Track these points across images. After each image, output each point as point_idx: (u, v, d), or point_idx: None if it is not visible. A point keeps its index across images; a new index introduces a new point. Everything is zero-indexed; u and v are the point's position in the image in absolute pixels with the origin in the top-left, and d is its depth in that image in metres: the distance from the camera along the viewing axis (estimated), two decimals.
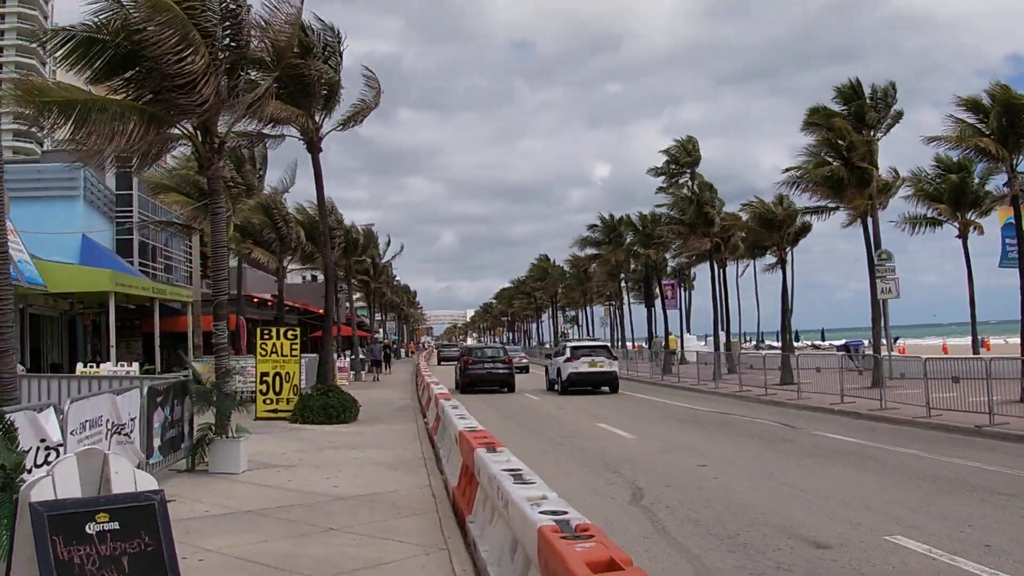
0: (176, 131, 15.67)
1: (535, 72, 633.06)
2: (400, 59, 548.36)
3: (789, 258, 58.30)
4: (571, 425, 24.44)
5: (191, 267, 47.36)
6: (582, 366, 37.28)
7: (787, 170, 35.68)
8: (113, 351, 31.44)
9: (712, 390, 37.18)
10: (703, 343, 77.58)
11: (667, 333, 65.88)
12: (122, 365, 26.30)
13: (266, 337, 25.07)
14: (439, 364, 79.30)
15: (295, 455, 17.28)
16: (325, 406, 23.47)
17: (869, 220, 34.36)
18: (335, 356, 44.04)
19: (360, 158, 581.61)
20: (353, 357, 51.53)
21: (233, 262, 43.48)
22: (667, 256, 57.33)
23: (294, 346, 25.05)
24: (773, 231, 41.43)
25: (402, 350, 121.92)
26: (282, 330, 25.39)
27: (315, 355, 43.10)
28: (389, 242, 69.85)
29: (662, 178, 68.88)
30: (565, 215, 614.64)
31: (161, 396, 13.05)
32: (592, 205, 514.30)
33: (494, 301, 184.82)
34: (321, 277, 57.73)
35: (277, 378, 24.90)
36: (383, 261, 70.27)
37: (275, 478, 14.42)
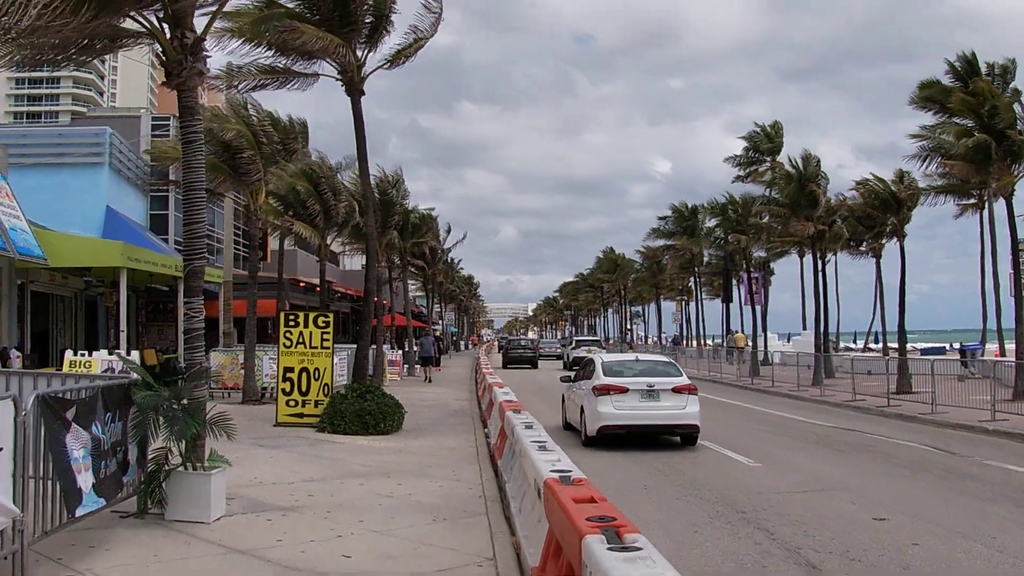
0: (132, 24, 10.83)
1: (596, 65, 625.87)
2: (460, 51, 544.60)
3: (884, 248, 53.25)
4: (663, 441, 19.22)
5: (220, 243, 42.85)
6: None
7: (913, 136, 30.23)
8: (123, 336, 26.94)
9: (817, 398, 31.78)
10: (784, 343, 71.91)
11: (727, 330, 60.68)
12: (118, 354, 21.70)
13: (291, 324, 20.28)
14: (505, 367, 57.37)
15: (305, 487, 12.40)
16: (360, 412, 18.63)
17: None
18: (383, 348, 39.45)
19: (421, 150, 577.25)
20: (406, 350, 46.69)
21: (274, 242, 39.08)
22: (756, 245, 51.75)
23: (326, 336, 20.23)
24: (890, 213, 35.76)
25: (462, 343, 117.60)
26: (312, 315, 20.56)
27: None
28: (450, 230, 64.93)
29: (739, 168, 65.11)
30: (627, 210, 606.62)
31: (76, 409, 8.21)
32: (654, 201, 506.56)
33: (557, 295, 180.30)
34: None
35: (304, 375, 20.11)
36: (444, 247, 65.45)
37: (260, 535, 9.53)
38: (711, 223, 62.39)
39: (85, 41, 11.04)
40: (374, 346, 37.87)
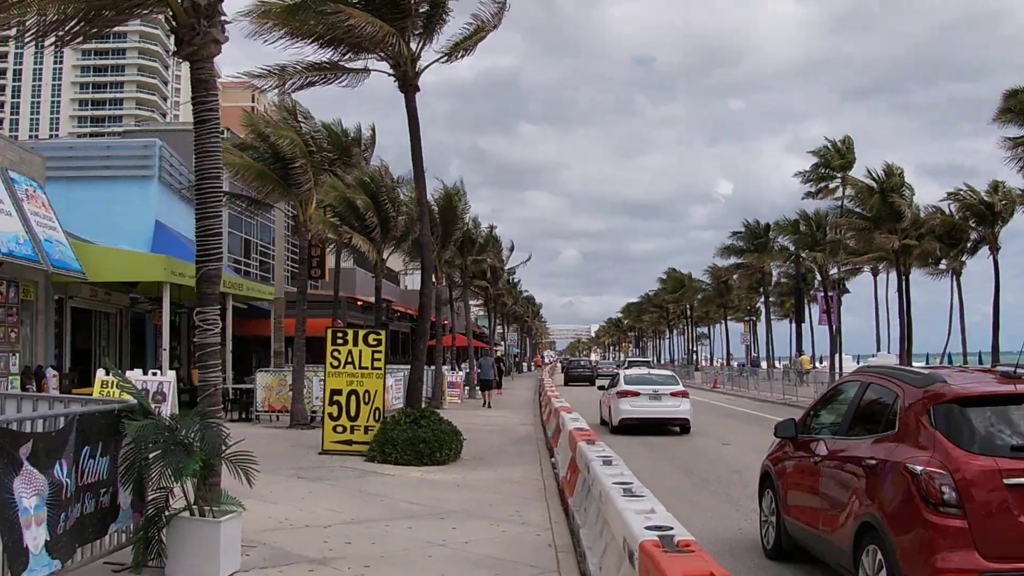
0: None
1: (655, 86, 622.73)
2: (520, 73, 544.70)
3: (965, 265, 50.47)
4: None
5: (271, 259, 41.36)
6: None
7: (1012, 140, 27.95)
8: (165, 355, 25.44)
9: None
10: (858, 364, 68.90)
11: (799, 351, 58.29)
12: (154, 374, 20.08)
13: (339, 342, 18.48)
14: (566, 384, 65.93)
15: (343, 532, 10.53)
16: (414, 439, 16.73)
17: None
18: (443, 369, 37.65)
19: (482, 172, 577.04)
20: (468, 371, 44.78)
21: (332, 259, 37.50)
22: (831, 263, 49.25)
23: (377, 355, 18.39)
24: (984, 225, 33.24)
25: (524, 364, 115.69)
26: (362, 332, 18.75)
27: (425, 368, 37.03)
28: (512, 248, 63.18)
29: (810, 184, 63.15)
30: (688, 231, 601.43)
31: (33, 444, 6.38)
32: (715, 222, 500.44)
33: (621, 315, 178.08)
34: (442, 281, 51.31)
35: (352, 398, 18.29)
36: (507, 267, 63.59)
37: None
38: (783, 240, 60.10)
39: (92, 12, 9.38)
40: (433, 367, 36.12)
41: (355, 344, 18.39)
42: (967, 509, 7.04)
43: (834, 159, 57.02)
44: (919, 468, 7.31)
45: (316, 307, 42.01)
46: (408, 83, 18.76)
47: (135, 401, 8.20)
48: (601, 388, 30.90)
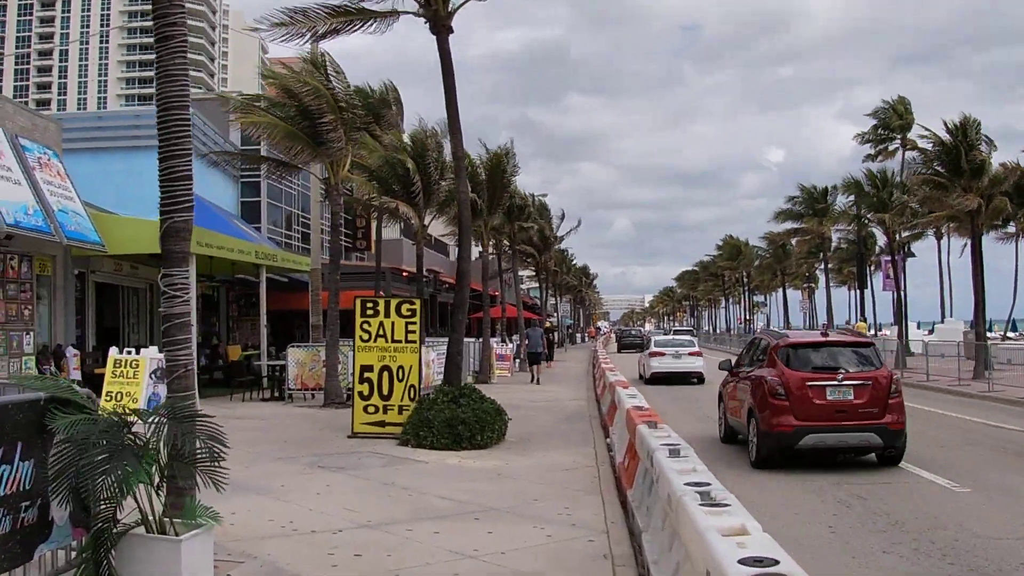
0: None
1: (703, 55, 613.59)
2: (567, 44, 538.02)
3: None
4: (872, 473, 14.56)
5: (307, 228, 39.65)
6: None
7: None
8: (193, 331, 23.77)
9: (985, 393, 26.57)
10: (926, 333, 65.90)
11: (862, 319, 55.82)
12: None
13: (368, 313, 16.70)
14: (619, 352, 69.59)
15: (355, 539, 8.76)
16: (452, 420, 14.94)
17: None
18: (490, 341, 35.89)
19: (532, 144, 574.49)
20: (518, 344, 42.82)
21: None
22: (898, 224, 46.55)
23: (411, 327, 16.59)
24: None
25: (578, 335, 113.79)
26: (394, 303, 16.94)
27: (472, 340, 35.10)
28: (563, 216, 61.05)
29: (869, 145, 60.87)
30: (739, 200, 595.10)
31: None
32: (766, 191, 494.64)
33: (675, 284, 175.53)
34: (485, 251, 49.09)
35: (385, 375, 16.51)
36: (557, 235, 61.51)
37: None
38: (844, 201, 57.72)
39: None
40: (478, 339, 34.30)
41: (386, 315, 16.60)
42: (789, 397, 13.72)
43: (892, 119, 55.43)
44: (769, 378, 14.15)
45: (358, 279, 40.51)
46: (440, 24, 16.82)
47: (60, 393, 6.38)
48: (640, 351, 40.90)
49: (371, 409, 16.48)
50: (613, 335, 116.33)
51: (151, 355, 18.18)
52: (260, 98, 24.63)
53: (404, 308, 16.70)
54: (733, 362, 17.24)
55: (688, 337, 40.24)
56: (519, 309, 47.34)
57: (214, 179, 36.58)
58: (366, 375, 16.57)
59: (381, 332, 16.57)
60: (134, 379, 18.01)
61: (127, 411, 6.60)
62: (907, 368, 37.42)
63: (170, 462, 6.53)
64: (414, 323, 16.62)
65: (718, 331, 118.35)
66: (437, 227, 40.80)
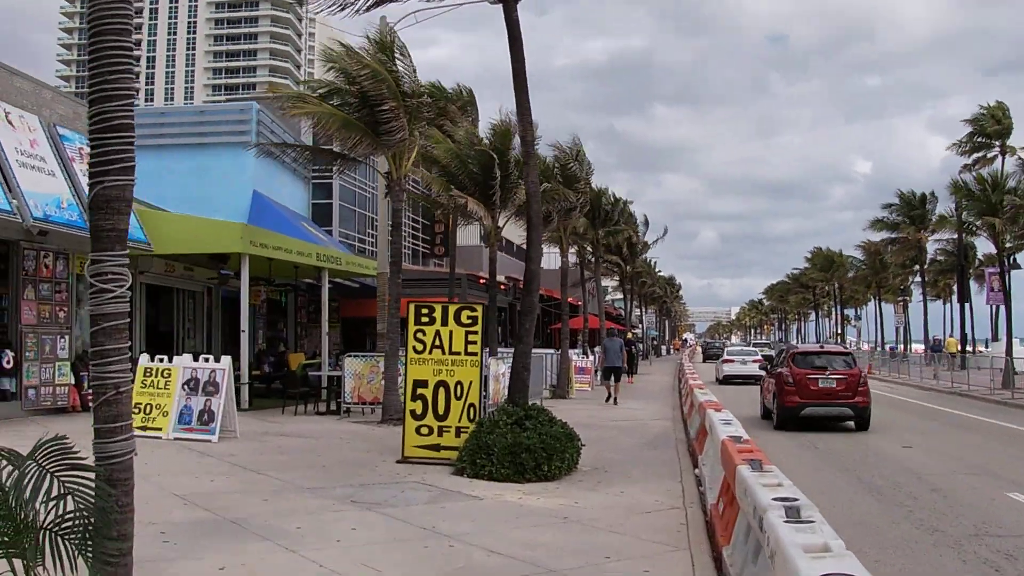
0: None
1: (789, 65, 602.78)
2: (651, 54, 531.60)
3: None
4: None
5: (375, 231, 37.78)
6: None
7: None
8: (245, 337, 22.13)
9: None
10: None
11: (962, 334, 52.64)
12: (205, 360, 16.65)
13: (424, 320, 14.61)
14: (703, 361, 74.54)
15: None
16: (515, 447, 12.77)
17: None
18: (573, 353, 33.66)
19: (617, 154, 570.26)
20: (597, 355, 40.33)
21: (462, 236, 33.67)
22: (1012, 231, 43.08)
23: (472, 337, 14.46)
24: None
25: (663, 347, 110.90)
26: (452, 309, 14.80)
27: (551, 351, 32.85)
28: (648, 223, 58.37)
29: (964, 155, 57.89)
30: (826, 212, 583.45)
31: None
32: (854, 203, 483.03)
33: (763, 297, 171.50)
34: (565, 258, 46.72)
35: (441, 391, 14.42)
36: (643, 241, 58.82)
37: None
38: (944, 208, 54.69)
39: None
40: (554, 351, 32.07)
41: (443, 323, 14.48)
42: (796, 385, 21.81)
43: (989, 125, 52.79)
44: (784, 373, 22.41)
45: (432, 285, 38.60)
46: None
47: None
48: (718, 358, 50.22)
49: (424, 430, 14.39)
50: (699, 348, 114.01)
51: (185, 364, 16.41)
52: (311, 83, 22.84)
53: (464, 315, 14.56)
54: (768, 366, 26.73)
55: (752, 349, 52.80)
56: (602, 319, 44.94)
57: (281, 177, 35.10)
58: (419, 391, 14.48)
59: (437, 342, 14.47)
60: (165, 390, 16.29)
61: None
62: (1016, 388, 34.17)
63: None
64: (475, 332, 14.48)
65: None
66: (518, 232, 38.74)
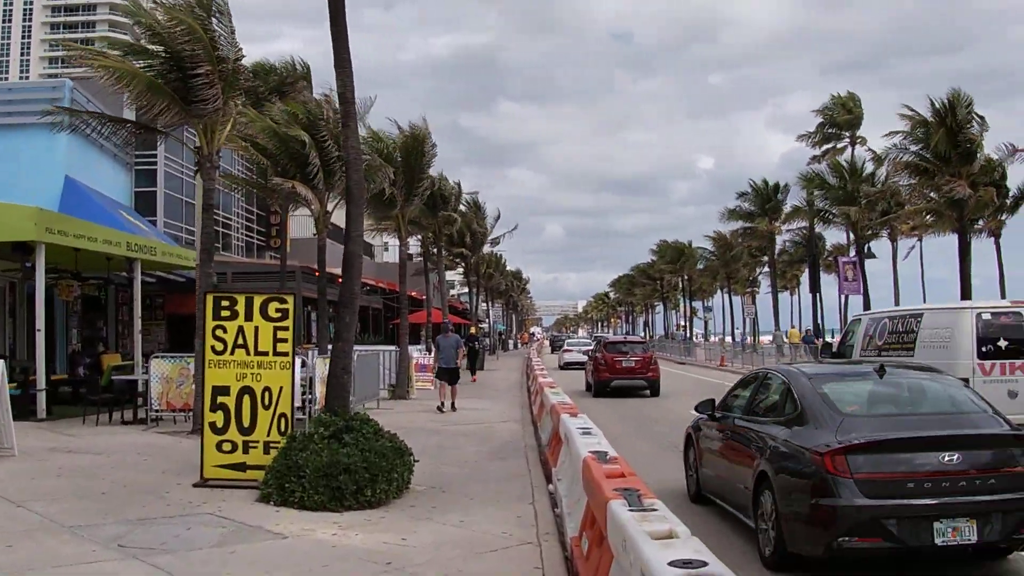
0: None
1: (635, 63, 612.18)
2: (497, 51, 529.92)
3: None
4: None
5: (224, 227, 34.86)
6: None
7: None
8: (40, 336, 19.04)
9: None
10: None
11: (815, 325, 53.14)
12: None
13: (224, 314, 12.16)
14: (552, 352, 79.69)
15: None
16: (331, 467, 10.49)
17: None
18: (414, 350, 31.39)
19: (463, 149, 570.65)
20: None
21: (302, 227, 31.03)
22: (870, 219, 42.80)
23: (281, 334, 12.07)
24: None
25: (510, 341, 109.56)
26: (258, 300, 12.34)
27: (391, 348, 30.52)
28: (499, 217, 56.12)
29: (814, 146, 58.58)
30: (671, 208, 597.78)
31: None
32: (697, 198, 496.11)
33: (610, 290, 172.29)
34: (412, 249, 44.09)
35: (246, 399, 11.99)
36: (491, 236, 56.63)
37: None
38: (797, 200, 54.62)
39: None
40: (394, 348, 29.75)
41: (248, 317, 12.06)
42: (606, 363, 31.14)
43: (840, 115, 53.53)
44: (598, 356, 32.28)
45: (263, 279, 35.86)
46: None
47: None
48: (561, 350, 58.78)
49: (227, 447, 11.96)
50: (547, 341, 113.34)
51: None
52: (111, 41, 20.06)
53: (272, 307, 12.14)
54: (591, 353, 35.16)
55: (587, 339, 65.43)
56: (445, 313, 42.87)
57: (99, 162, 31.80)
58: (220, 400, 12.03)
59: (240, 341, 12.04)
60: None
61: None
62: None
63: None
64: (286, 329, 12.10)
65: (656, 336, 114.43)
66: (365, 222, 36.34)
